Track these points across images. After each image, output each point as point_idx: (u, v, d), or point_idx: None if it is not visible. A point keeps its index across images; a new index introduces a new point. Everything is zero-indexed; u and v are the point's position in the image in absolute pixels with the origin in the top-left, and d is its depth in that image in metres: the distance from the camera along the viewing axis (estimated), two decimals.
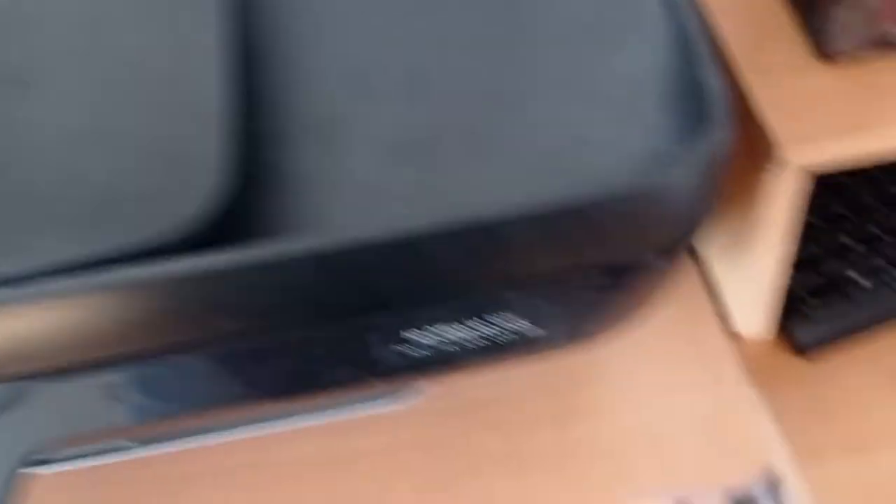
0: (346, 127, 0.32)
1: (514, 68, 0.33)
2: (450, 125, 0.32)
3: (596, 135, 0.31)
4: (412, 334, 0.33)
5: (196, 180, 0.28)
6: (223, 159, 0.28)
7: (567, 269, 0.31)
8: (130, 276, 0.27)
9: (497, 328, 0.33)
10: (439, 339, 0.33)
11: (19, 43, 0.31)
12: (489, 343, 0.34)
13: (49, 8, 0.32)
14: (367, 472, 0.41)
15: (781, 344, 0.47)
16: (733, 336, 0.45)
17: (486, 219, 0.29)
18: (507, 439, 0.42)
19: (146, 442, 0.42)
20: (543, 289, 0.32)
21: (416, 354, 0.34)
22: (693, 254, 0.48)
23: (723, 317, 0.46)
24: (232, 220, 0.28)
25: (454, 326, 0.33)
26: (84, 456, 0.41)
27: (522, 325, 0.34)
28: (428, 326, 0.33)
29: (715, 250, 0.46)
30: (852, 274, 0.48)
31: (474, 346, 0.34)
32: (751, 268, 0.42)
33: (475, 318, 0.33)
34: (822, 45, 0.37)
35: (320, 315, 0.30)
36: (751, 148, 0.38)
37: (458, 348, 0.34)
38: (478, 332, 0.33)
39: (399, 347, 0.33)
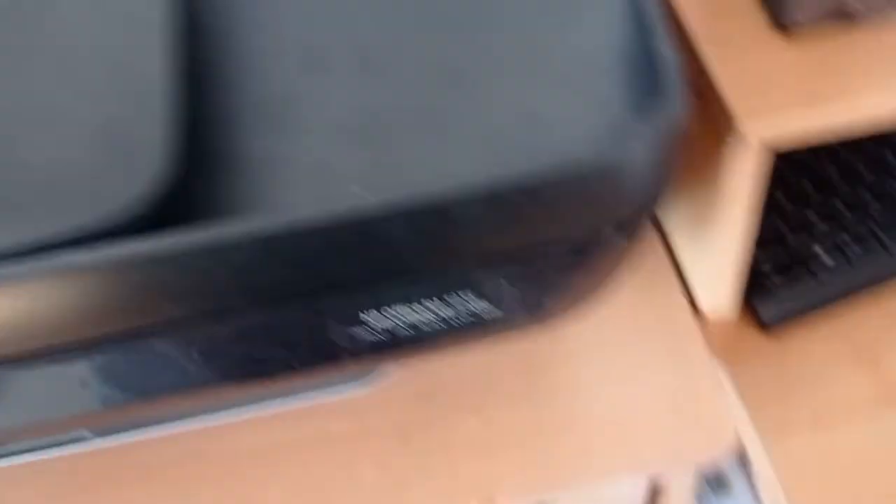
0: (297, 107, 0.31)
1: (467, 46, 0.32)
2: (403, 104, 0.31)
3: (550, 111, 0.30)
4: (370, 317, 0.32)
5: (140, 163, 0.27)
6: (168, 141, 0.28)
7: (525, 247, 0.31)
8: (74, 261, 0.26)
9: (457, 309, 0.33)
10: (399, 321, 0.33)
11: None
12: (450, 324, 0.33)
13: None
14: (336, 456, 0.41)
15: (746, 320, 0.47)
16: (699, 313, 0.45)
17: (440, 197, 0.28)
18: (477, 420, 0.42)
19: (106, 432, 0.41)
20: (501, 268, 0.32)
21: (376, 337, 0.33)
22: (660, 231, 0.48)
23: (688, 294, 0.46)
24: (179, 203, 0.28)
25: (413, 308, 0.33)
26: (41, 448, 0.41)
27: (482, 305, 0.33)
28: (386, 308, 0.32)
29: (679, 227, 0.46)
30: (817, 249, 0.48)
31: (435, 328, 0.33)
32: (714, 244, 0.41)
33: (434, 299, 0.32)
34: (780, 16, 0.37)
35: (271, 298, 0.29)
36: (711, 122, 0.37)
37: (418, 330, 0.33)
38: (437, 314, 0.33)
39: (358, 330, 0.33)
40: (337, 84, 0.32)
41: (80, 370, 0.31)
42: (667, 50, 0.30)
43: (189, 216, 0.28)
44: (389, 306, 0.32)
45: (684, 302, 0.45)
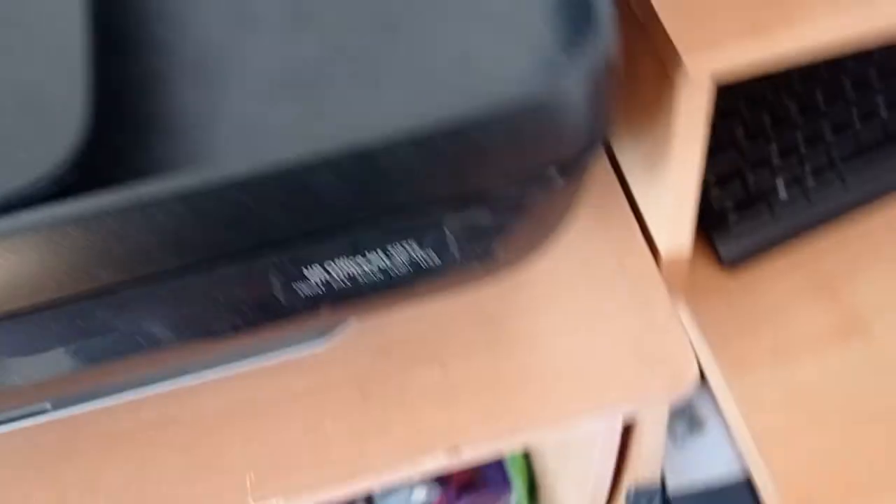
0: (227, 62, 0.31)
1: None
2: (331, 53, 0.30)
3: (481, 51, 0.30)
4: (315, 272, 0.32)
5: (59, 124, 0.27)
6: (87, 101, 0.27)
7: (462, 192, 0.31)
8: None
9: (401, 260, 0.33)
10: (343, 274, 0.32)
11: None
12: (397, 276, 0.33)
13: None
14: (299, 413, 0.41)
15: (706, 259, 0.47)
16: (657, 252, 0.45)
17: (368, 145, 0.28)
18: (437, 372, 0.42)
19: (66, 403, 0.41)
20: (442, 215, 0.31)
21: (323, 292, 0.33)
22: (619, 174, 0.47)
23: (646, 234, 0.45)
24: (104, 165, 0.27)
25: (357, 261, 0.32)
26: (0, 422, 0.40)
27: (427, 254, 0.33)
28: (330, 262, 0.32)
29: (633, 167, 0.46)
30: (776, 184, 0.48)
31: (382, 280, 0.33)
32: (667, 182, 0.41)
33: (377, 251, 0.32)
34: None
35: (207, 257, 0.29)
36: (655, 56, 0.37)
37: (365, 284, 0.33)
38: (383, 265, 0.32)
39: (303, 286, 0.32)
40: (267, 36, 0.31)
41: (18, 340, 0.30)
42: None
43: (116, 177, 0.27)
44: (332, 260, 0.32)
45: (643, 243, 0.45)
